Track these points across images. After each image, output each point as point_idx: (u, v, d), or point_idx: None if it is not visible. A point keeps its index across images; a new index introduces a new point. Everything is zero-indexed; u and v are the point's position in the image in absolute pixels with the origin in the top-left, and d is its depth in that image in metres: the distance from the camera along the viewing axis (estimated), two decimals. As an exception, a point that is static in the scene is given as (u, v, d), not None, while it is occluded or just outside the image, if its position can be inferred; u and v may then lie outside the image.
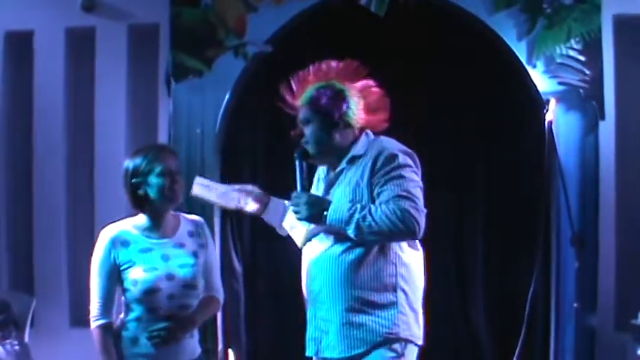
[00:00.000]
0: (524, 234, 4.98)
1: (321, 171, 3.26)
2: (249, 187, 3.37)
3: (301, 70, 3.21)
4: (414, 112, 4.88)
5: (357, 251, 3.01)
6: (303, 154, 3.13)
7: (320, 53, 5.12)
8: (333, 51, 4.97)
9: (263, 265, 5.28)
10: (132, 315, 3.07)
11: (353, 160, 3.09)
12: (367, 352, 3.00)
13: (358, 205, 2.95)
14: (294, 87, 3.20)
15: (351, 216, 2.93)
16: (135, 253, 3.05)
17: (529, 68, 4.89)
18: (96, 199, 5.20)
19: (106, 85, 5.23)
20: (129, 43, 5.26)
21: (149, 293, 3.01)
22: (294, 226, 3.20)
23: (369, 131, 3.15)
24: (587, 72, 4.85)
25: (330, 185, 3.13)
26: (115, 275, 3.06)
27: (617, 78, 4.94)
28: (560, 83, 4.87)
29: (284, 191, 5.16)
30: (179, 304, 3.06)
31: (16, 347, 4.38)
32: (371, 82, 3.17)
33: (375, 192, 3.00)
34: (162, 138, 5.09)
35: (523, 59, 4.90)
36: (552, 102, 4.83)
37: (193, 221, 3.23)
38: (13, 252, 5.37)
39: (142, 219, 3.12)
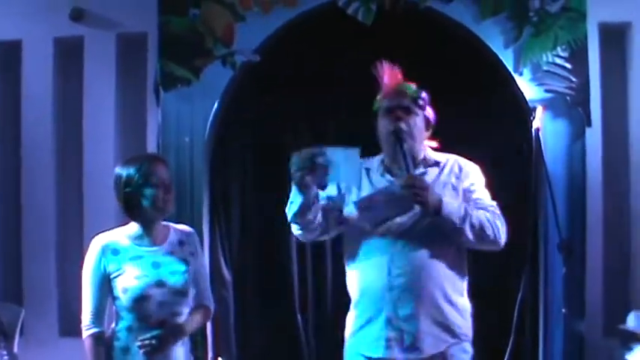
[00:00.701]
0: (512, 241, 4.96)
1: (364, 171, 3.28)
2: None
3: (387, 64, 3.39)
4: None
5: (447, 252, 3.13)
6: (399, 135, 3.17)
7: (307, 62, 5.19)
8: (320, 59, 5.03)
9: (252, 273, 5.27)
10: (122, 324, 3.08)
11: (434, 164, 3.25)
12: (446, 351, 3.13)
13: (466, 205, 3.09)
14: (389, 71, 3.36)
15: (466, 212, 3.05)
16: (125, 261, 3.08)
17: (516, 76, 4.91)
18: (85, 209, 5.18)
19: (94, 95, 5.22)
20: (117, 53, 5.26)
21: (139, 300, 3.03)
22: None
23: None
24: (574, 79, 4.88)
25: None
26: (105, 284, 3.09)
27: (603, 85, 4.98)
28: (546, 91, 4.89)
29: (274, 200, 5.18)
30: (170, 312, 3.07)
31: (5, 357, 4.38)
32: None
33: (470, 197, 3.17)
34: (151, 147, 5.09)
35: (510, 67, 4.92)
36: (539, 109, 4.84)
37: (183, 231, 3.25)
38: (1, 262, 5.34)
39: (132, 228, 3.15)
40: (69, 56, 5.34)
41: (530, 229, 4.92)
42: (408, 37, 5.00)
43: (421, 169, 3.23)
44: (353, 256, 3.25)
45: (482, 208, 3.13)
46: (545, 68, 4.89)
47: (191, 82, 5.03)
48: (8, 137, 5.35)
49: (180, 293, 3.10)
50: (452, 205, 3.05)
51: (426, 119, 3.30)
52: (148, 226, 3.13)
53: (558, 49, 4.89)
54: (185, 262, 3.15)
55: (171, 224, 3.24)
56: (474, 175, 3.27)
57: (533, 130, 4.79)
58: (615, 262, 4.98)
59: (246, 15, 5.01)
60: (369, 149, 5.06)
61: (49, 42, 5.27)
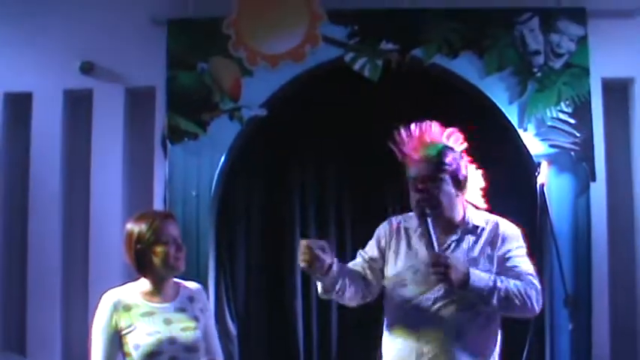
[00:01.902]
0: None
1: (403, 231, 3.24)
2: None
3: (414, 124, 3.22)
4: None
5: (477, 320, 3.07)
6: (424, 211, 3.08)
7: (314, 117, 5.22)
8: (327, 115, 5.06)
9: (258, 326, 5.25)
10: (134, 380, 3.06)
11: (472, 230, 3.14)
12: None
13: (496, 277, 2.99)
14: (409, 138, 3.19)
15: (494, 285, 2.96)
16: (136, 317, 3.07)
17: (520, 131, 4.95)
18: (90, 261, 5.17)
19: (102, 147, 5.26)
20: (125, 106, 5.31)
21: (151, 357, 3.02)
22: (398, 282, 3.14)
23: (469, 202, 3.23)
24: (578, 134, 4.92)
25: (446, 250, 3.11)
26: (116, 340, 3.07)
27: (607, 140, 5.02)
28: (551, 146, 4.92)
29: (279, 255, 5.20)
30: (182, 368, 3.06)
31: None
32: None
33: (505, 266, 3.07)
34: (158, 200, 5.11)
35: (515, 122, 4.96)
36: (544, 165, 4.87)
37: (192, 287, 3.26)
38: (5, 311, 5.33)
39: (143, 284, 3.15)
40: (78, 108, 5.39)
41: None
42: (413, 93, 5.06)
43: (455, 237, 3.14)
44: (388, 320, 3.25)
45: (516, 277, 3.05)
46: (549, 123, 4.94)
47: (198, 135, 5.07)
48: (16, 188, 5.38)
49: (191, 349, 3.09)
50: (480, 278, 2.97)
51: (456, 180, 3.15)
52: (159, 283, 3.13)
53: (562, 104, 4.94)
54: (195, 318, 3.15)
55: (181, 281, 3.25)
56: (511, 241, 3.15)
57: (538, 185, 4.81)
58: (622, 317, 4.96)
59: (253, 70, 5.07)
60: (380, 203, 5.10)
61: (59, 94, 5.33)
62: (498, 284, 2.97)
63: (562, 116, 4.93)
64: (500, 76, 4.99)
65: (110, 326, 3.07)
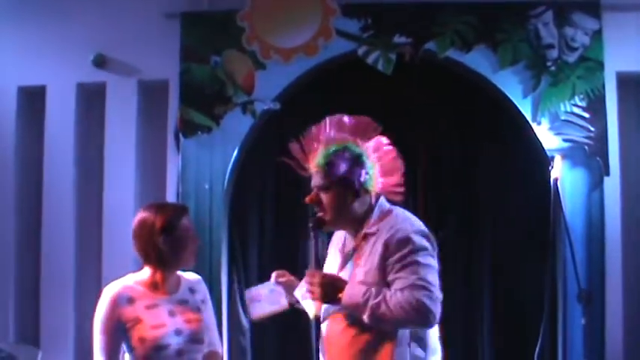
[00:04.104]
0: (531, 291, 4.97)
1: (337, 240, 3.18)
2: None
3: (312, 126, 3.07)
4: (420, 170, 4.93)
5: (371, 333, 2.92)
6: (319, 223, 3.00)
7: (328, 111, 5.20)
8: (340, 108, 5.04)
9: (270, 321, 5.24)
10: (138, 374, 3.05)
11: (366, 237, 2.98)
12: None
13: (373, 290, 2.84)
14: (305, 146, 3.05)
15: (366, 302, 2.83)
16: (141, 309, 3.03)
17: (534, 125, 4.93)
18: (104, 253, 5.20)
19: (115, 140, 5.28)
20: (138, 99, 5.32)
21: (158, 349, 2.99)
22: (306, 298, 3.05)
23: (382, 199, 3.05)
24: (592, 129, 4.89)
25: (345, 261, 3.05)
26: (119, 333, 3.01)
27: (621, 134, 4.99)
28: (565, 140, 4.90)
29: (292, 249, 5.21)
30: (187, 359, 3.06)
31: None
32: (384, 141, 3.06)
33: (390, 277, 2.88)
34: (171, 193, 5.13)
35: (528, 116, 4.94)
36: (558, 159, 4.85)
37: (192, 278, 3.24)
38: (19, 304, 5.36)
39: (145, 275, 3.10)
40: (91, 102, 5.41)
41: (548, 279, 4.89)
42: (426, 87, 5.05)
43: (353, 245, 3.03)
44: None
45: (399, 290, 2.83)
46: (563, 118, 4.91)
47: (211, 129, 5.07)
48: (30, 181, 5.40)
49: (197, 341, 3.08)
50: (353, 294, 2.85)
51: (350, 187, 2.96)
52: (164, 275, 3.09)
53: (576, 98, 4.91)
54: (198, 309, 3.14)
55: (180, 272, 3.20)
56: (401, 251, 2.88)
57: (551, 179, 4.80)
58: (635, 311, 4.94)
59: (266, 63, 5.07)
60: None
61: (72, 88, 5.34)
62: (371, 301, 2.82)
63: (576, 110, 4.91)
64: (513, 69, 4.97)
65: (113, 320, 3.00)
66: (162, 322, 3.03)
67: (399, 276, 2.86)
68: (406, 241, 2.89)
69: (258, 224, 5.30)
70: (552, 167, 4.82)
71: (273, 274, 3.23)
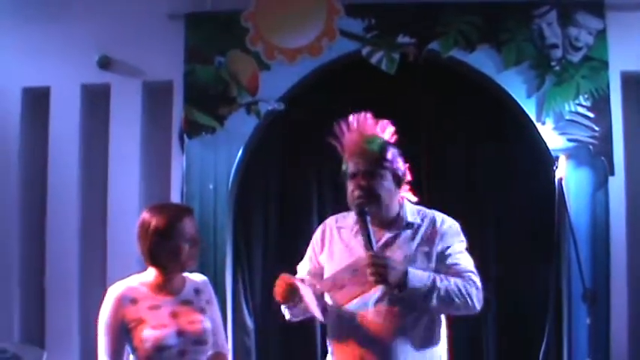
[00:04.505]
0: (536, 290, 4.96)
1: (336, 232, 3.17)
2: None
3: (348, 118, 3.16)
4: (423, 169, 4.92)
5: (422, 319, 3.00)
6: (366, 205, 3.00)
7: (332, 111, 5.21)
8: (344, 108, 5.05)
9: (275, 321, 5.25)
10: (141, 374, 3.05)
11: (408, 226, 3.05)
12: None
13: (436, 275, 2.91)
14: (349, 131, 3.12)
15: (433, 285, 2.88)
16: (143, 310, 3.04)
17: (538, 125, 4.92)
18: (108, 255, 5.21)
19: (120, 141, 5.29)
20: (143, 100, 5.33)
21: (160, 350, 3.00)
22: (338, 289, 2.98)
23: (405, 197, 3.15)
24: (596, 128, 4.89)
25: (384, 247, 3.03)
26: (123, 333, 3.03)
27: (625, 134, 4.98)
28: (569, 140, 4.90)
29: (297, 249, 5.18)
30: (189, 361, 3.06)
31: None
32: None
33: (448, 262, 3.00)
34: (176, 193, 5.14)
35: (532, 116, 4.94)
36: (562, 158, 4.85)
37: (198, 279, 3.24)
38: (24, 304, 5.37)
39: (149, 276, 3.12)
40: (96, 103, 5.42)
41: (553, 278, 4.89)
42: (430, 87, 5.05)
43: (390, 234, 3.05)
44: (328, 325, 3.17)
45: (456, 275, 2.96)
46: (567, 117, 4.91)
47: (215, 129, 5.08)
48: (35, 182, 5.41)
49: (200, 342, 3.07)
50: (418, 277, 2.88)
51: (396, 176, 3.06)
52: (167, 276, 3.10)
53: (581, 98, 4.91)
54: (202, 310, 3.14)
55: (186, 273, 3.21)
56: (449, 237, 3.06)
57: (556, 179, 4.79)
58: (640, 311, 4.94)
59: (271, 64, 5.08)
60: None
61: (77, 89, 5.36)
62: (438, 283, 2.88)
63: (580, 110, 4.91)
64: (518, 69, 4.97)
65: (117, 320, 3.02)
66: (163, 323, 3.03)
67: (456, 263, 3.00)
68: (458, 231, 3.10)
69: (262, 224, 5.30)
70: (557, 167, 4.83)
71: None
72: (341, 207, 5.10)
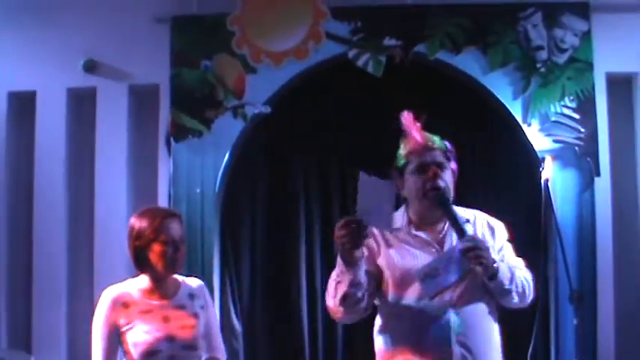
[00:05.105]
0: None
1: (390, 236, 3.04)
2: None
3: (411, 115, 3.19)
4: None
5: (489, 316, 3.02)
6: (446, 197, 2.99)
7: (319, 114, 5.23)
8: (331, 111, 5.06)
9: (263, 324, 5.26)
10: (133, 378, 3.05)
11: (466, 222, 3.06)
12: None
13: (509, 265, 2.97)
14: (415, 124, 3.16)
15: (512, 273, 2.93)
16: (135, 314, 3.05)
17: (524, 126, 4.94)
18: (95, 259, 5.19)
19: (106, 145, 5.27)
20: (129, 104, 5.32)
21: (149, 355, 3.00)
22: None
23: None
24: (582, 129, 4.92)
25: (441, 241, 3.02)
26: (115, 337, 3.05)
27: (611, 135, 5.01)
28: (555, 141, 4.92)
29: (284, 252, 5.19)
30: (180, 366, 3.05)
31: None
32: None
33: (502, 257, 3.03)
34: (163, 197, 5.12)
35: (518, 117, 4.95)
36: (548, 160, 4.86)
37: (193, 283, 3.24)
38: (11, 309, 5.35)
39: (143, 281, 3.13)
40: (82, 107, 5.40)
41: (540, 279, 4.89)
42: (417, 89, 5.05)
43: (439, 231, 3.04)
44: (385, 331, 3.05)
45: (516, 267, 3.00)
46: (553, 119, 4.93)
47: (202, 133, 5.08)
48: (21, 186, 5.39)
49: (190, 347, 3.07)
50: (502, 266, 2.91)
51: (454, 172, 3.11)
52: (157, 280, 3.11)
53: (566, 99, 4.93)
54: (195, 315, 3.13)
55: (181, 277, 3.22)
56: (502, 233, 3.13)
57: (542, 180, 4.81)
58: (627, 311, 4.95)
59: (257, 67, 5.08)
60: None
61: (63, 93, 5.34)
62: (514, 272, 2.94)
63: (566, 111, 4.93)
64: (503, 71, 4.99)
65: (109, 323, 3.04)
66: (154, 328, 3.03)
67: (512, 257, 3.08)
68: (504, 229, 3.15)
69: (249, 227, 5.28)
70: (543, 168, 4.83)
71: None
72: (329, 208, 5.18)
